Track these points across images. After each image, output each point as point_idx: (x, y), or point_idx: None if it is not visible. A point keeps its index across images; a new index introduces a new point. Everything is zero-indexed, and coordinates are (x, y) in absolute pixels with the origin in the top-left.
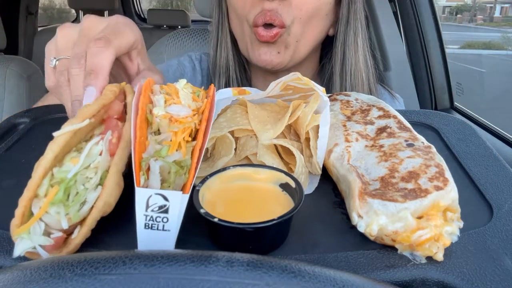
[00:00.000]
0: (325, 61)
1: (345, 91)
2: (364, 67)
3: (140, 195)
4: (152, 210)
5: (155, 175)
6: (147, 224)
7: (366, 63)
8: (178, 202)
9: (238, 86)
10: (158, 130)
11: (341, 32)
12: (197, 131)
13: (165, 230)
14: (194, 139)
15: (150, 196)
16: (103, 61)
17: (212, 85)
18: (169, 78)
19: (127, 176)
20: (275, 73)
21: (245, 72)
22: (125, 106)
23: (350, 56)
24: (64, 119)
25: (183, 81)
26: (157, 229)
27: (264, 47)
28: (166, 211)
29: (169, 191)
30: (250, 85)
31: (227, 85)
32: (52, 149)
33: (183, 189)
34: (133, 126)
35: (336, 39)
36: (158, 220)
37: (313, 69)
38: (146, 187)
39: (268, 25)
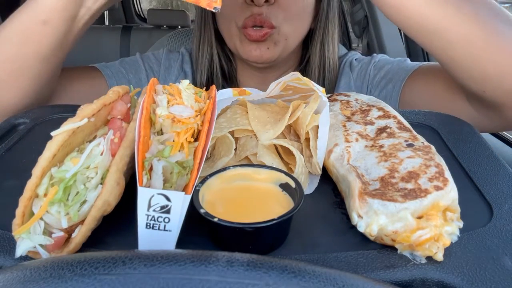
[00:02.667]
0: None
1: (323, 79)
2: (337, 59)
3: (143, 194)
4: (154, 210)
5: (158, 175)
6: (148, 224)
7: (337, 56)
8: (180, 203)
9: (224, 81)
10: (161, 130)
11: (322, 26)
12: (199, 132)
13: (167, 231)
14: (196, 139)
15: (153, 196)
16: None
17: (214, 86)
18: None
19: (132, 177)
20: (263, 68)
21: (231, 67)
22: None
23: (328, 47)
24: (64, 119)
25: (185, 82)
26: (159, 229)
27: (254, 44)
28: (168, 211)
29: (172, 191)
30: (236, 80)
31: (209, 80)
32: (49, 148)
33: (185, 189)
34: (138, 126)
35: (315, 32)
36: (160, 220)
37: (297, 61)
38: (148, 187)
39: (258, 26)
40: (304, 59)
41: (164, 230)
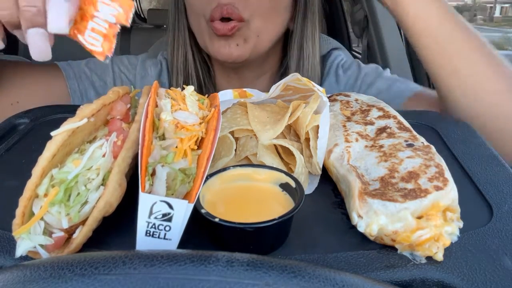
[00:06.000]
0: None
1: None
2: (319, 61)
3: (144, 201)
4: (155, 218)
5: (162, 181)
6: (148, 232)
7: (318, 57)
8: (183, 211)
9: (199, 84)
10: (163, 134)
11: (299, 26)
12: (201, 139)
13: (166, 239)
14: (198, 147)
15: (155, 203)
16: None
17: (216, 94)
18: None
19: (132, 178)
20: (238, 68)
21: (207, 69)
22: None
23: (307, 49)
24: (64, 119)
25: (190, 88)
26: (158, 237)
27: (222, 40)
28: (169, 220)
29: (175, 199)
30: (212, 84)
31: (186, 83)
32: (49, 149)
33: (187, 197)
34: (142, 130)
35: (293, 32)
36: (161, 228)
37: (277, 63)
38: (150, 192)
39: (226, 19)
40: (284, 63)
41: (164, 238)
